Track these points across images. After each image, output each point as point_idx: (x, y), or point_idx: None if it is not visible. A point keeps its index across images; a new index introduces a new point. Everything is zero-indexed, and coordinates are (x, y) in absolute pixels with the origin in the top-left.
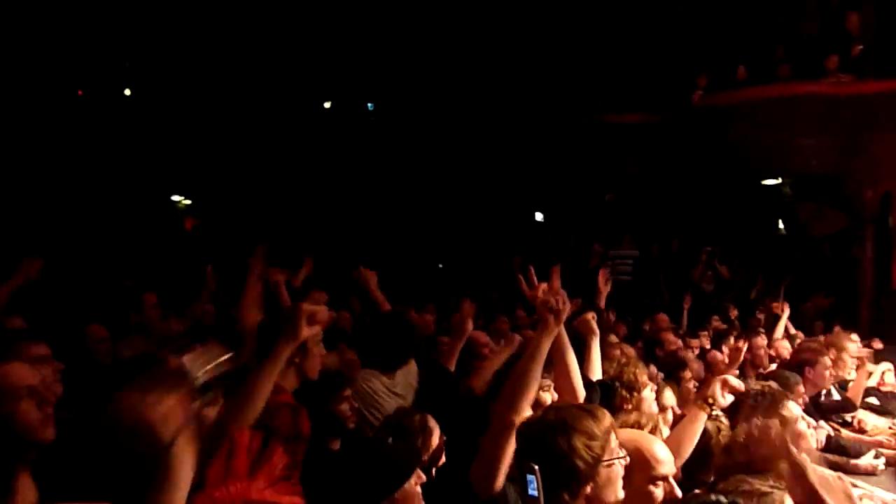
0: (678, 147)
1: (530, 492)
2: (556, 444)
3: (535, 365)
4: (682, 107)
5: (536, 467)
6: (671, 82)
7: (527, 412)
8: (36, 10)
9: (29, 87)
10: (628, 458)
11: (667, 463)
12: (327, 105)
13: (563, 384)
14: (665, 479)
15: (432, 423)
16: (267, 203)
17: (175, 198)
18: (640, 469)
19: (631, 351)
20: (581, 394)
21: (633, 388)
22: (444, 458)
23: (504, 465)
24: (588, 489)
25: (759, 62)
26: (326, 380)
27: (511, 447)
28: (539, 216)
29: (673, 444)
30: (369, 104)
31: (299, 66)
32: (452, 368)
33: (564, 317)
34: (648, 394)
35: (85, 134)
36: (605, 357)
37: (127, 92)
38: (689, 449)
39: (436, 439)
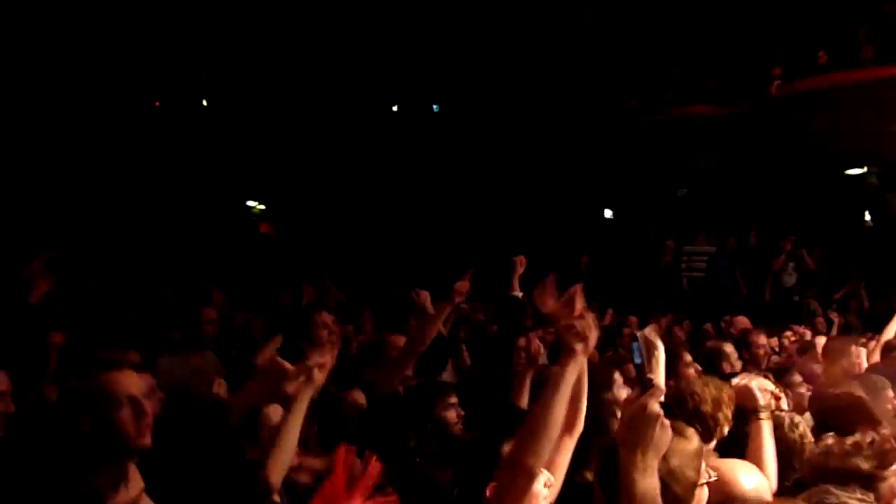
0: (754, 138)
1: (635, 359)
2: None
3: (559, 401)
4: (758, 97)
5: (639, 334)
6: (744, 71)
7: (545, 458)
8: (117, 27)
9: (111, 100)
10: (714, 477)
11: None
12: (394, 108)
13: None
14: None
15: None
16: (339, 206)
17: (250, 203)
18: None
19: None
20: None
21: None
22: None
23: None
24: None
25: (840, 45)
26: (433, 386)
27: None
28: (608, 213)
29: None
30: (434, 106)
31: (367, 72)
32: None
33: (593, 344)
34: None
35: (164, 143)
36: (680, 377)
37: (204, 102)
38: (772, 465)
39: None
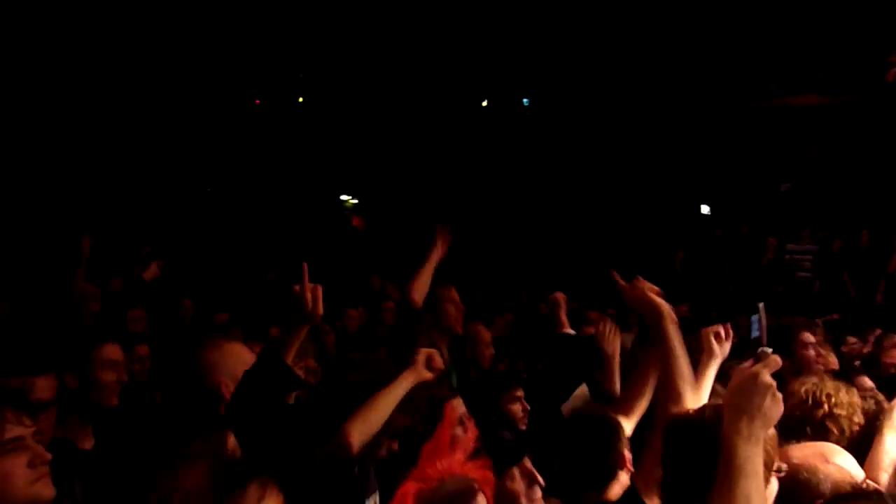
0: (866, 129)
1: (753, 333)
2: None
3: (677, 345)
4: (871, 85)
5: (761, 305)
6: (855, 58)
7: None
8: (219, 31)
9: (213, 98)
10: (784, 472)
11: (856, 466)
12: (484, 104)
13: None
14: (865, 482)
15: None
16: (429, 200)
17: (343, 197)
18: (840, 478)
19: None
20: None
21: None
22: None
23: None
24: None
25: None
26: (500, 378)
27: None
28: (705, 209)
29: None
30: (524, 100)
31: (456, 68)
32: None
33: (647, 294)
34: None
35: (262, 138)
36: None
37: (300, 100)
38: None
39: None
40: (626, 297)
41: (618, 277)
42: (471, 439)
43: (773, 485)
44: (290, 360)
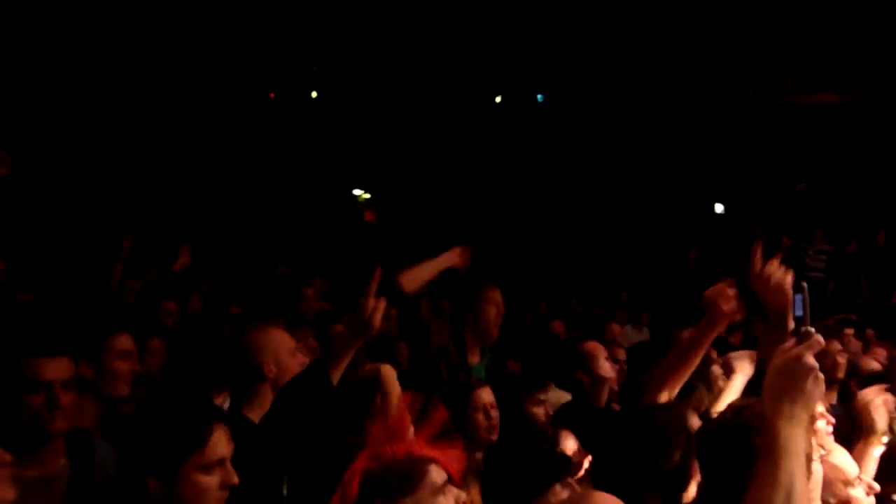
0: (882, 129)
1: (797, 312)
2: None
3: (696, 350)
4: (888, 84)
5: (805, 284)
6: (872, 58)
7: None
8: (233, 26)
9: (227, 92)
10: (825, 454)
11: (851, 463)
12: (498, 99)
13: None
14: (858, 478)
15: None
16: (442, 196)
17: (356, 192)
18: (833, 477)
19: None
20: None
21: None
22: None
23: None
24: None
25: None
26: (523, 380)
27: None
28: (719, 208)
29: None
30: (538, 95)
31: (470, 63)
32: None
33: (730, 311)
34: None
35: (276, 132)
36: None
37: (314, 94)
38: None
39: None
40: (763, 272)
41: (758, 252)
42: (437, 421)
43: (817, 467)
44: (339, 375)
